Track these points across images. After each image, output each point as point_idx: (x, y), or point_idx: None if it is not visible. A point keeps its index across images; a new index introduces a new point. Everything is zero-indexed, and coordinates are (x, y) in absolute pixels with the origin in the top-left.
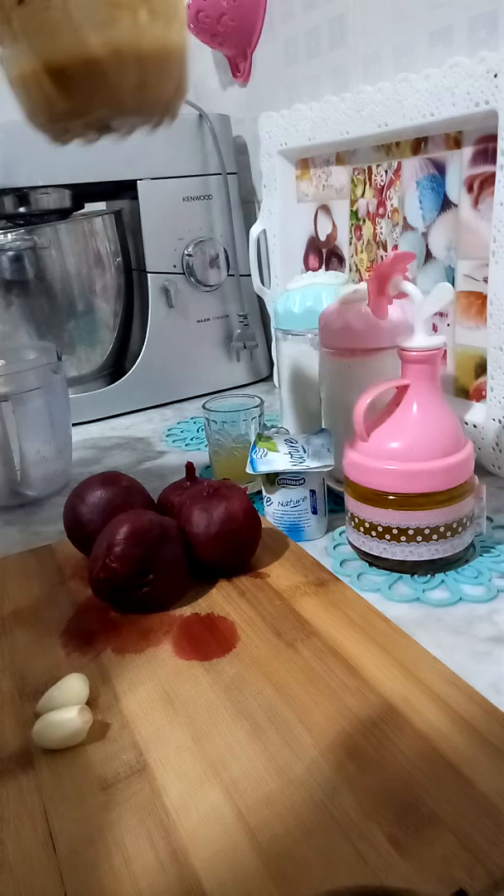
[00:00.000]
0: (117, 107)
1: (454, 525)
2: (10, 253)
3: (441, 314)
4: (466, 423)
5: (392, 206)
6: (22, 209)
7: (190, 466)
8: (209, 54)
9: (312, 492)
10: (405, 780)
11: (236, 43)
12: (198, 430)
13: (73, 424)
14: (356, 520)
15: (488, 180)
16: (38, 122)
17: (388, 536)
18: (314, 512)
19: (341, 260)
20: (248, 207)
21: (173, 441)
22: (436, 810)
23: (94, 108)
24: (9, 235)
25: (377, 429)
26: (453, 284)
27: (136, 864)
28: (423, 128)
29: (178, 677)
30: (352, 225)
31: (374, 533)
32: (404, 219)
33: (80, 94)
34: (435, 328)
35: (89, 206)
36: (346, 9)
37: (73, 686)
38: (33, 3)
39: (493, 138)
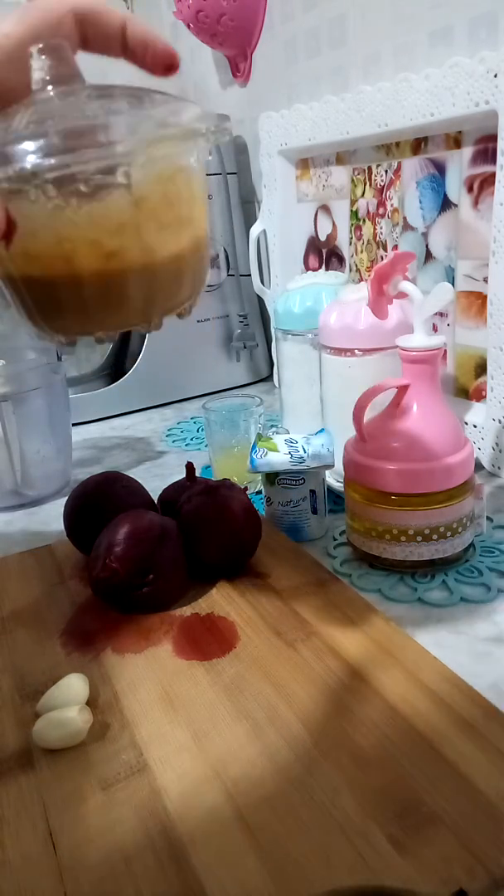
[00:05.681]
0: (117, 326)
1: (454, 525)
2: None
3: (441, 314)
4: (466, 423)
5: (392, 206)
6: None
7: (190, 466)
8: (209, 54)
9: (312, 492)
10: (405, 780)
11: (236, 43)
12: (198, 430)
13: (73, 424)
14: (356, 519)
15: (488, 180)
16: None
17: (388, 536)
18: (314, 512)
19: (341, 260)
20: (248, 207)
21: (173, 441)
22: (436, 810)
23: (84, 330)
24: None
25: (377, 429)
26: (453, 284)
27: (136, 864)
28: (423, 128)
29: (178, 677)
30: (352, 225)
31: (374, 533)
32: (404, 219)
33: (65, 318)
34: (435, 328)
35: None
36: (346, 9)
37: (73, 686)
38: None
39: (493, 138)
